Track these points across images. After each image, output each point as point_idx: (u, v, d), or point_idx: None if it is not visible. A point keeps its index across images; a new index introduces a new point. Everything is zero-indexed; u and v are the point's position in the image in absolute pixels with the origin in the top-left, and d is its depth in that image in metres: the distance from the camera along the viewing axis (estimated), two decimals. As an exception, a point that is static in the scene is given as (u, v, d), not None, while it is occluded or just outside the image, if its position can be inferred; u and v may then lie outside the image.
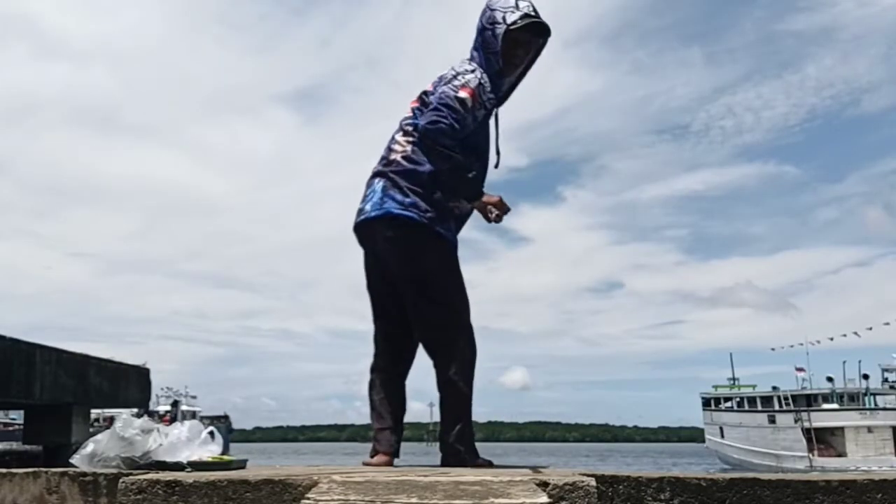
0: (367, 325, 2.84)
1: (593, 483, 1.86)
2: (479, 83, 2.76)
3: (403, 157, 2.77)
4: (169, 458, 2.69)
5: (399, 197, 2.72)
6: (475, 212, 2.80)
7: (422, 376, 2.89)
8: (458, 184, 2.69)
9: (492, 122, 2.94)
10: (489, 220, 2.75)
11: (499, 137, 2.97)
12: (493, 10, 2.83)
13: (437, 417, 2.84)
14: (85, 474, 2.50)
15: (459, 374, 2.68)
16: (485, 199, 2.72)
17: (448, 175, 2.68)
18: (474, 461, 2.61)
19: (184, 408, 49.44)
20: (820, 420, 35.01)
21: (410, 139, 2.79)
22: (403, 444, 2.89)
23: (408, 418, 2.93)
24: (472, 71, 2.79)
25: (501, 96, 2.94)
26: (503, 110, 2.98)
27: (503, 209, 2.72)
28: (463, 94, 2.71)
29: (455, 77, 2.77)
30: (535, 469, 2.33)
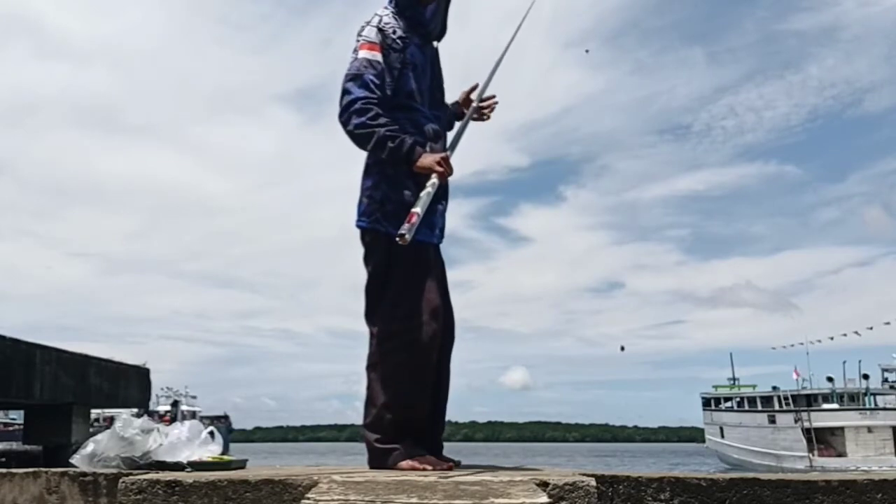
0: (367, 326, 2.82)
1: (593, 483, 1.87)
2: (378, 29, 2.60)
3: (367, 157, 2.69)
4: (169, 458, 2.70)
5: (357, 207, 2.66)
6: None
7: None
8: (388, 156, 2.50)
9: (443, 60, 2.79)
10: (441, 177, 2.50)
11: (441, 75, 2.82)
12: None
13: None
14: (85, 474, 2.50)
15: (369, 368, 2.57)
16: (422, 161, 2.49)
17: (377, 151, 2.51)
18: (381, 450, 2.49)
19: (184, 408, 49.44)
20: (820, 420, 34.98)
21: None
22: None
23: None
24: (369, 22, 2.64)
25: (432, 28, 2.77)
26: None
27: (441, 173, 2.49)
28: (363, 52, 2.56)
29: (356, 39, 2.63)
30: (534, 469, 2.33)
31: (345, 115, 2.51)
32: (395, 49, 2.60)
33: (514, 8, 2.89)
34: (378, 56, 2.56)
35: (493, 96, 2.94)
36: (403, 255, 2.52)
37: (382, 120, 2.49)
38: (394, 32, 2.62)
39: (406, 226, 2.30)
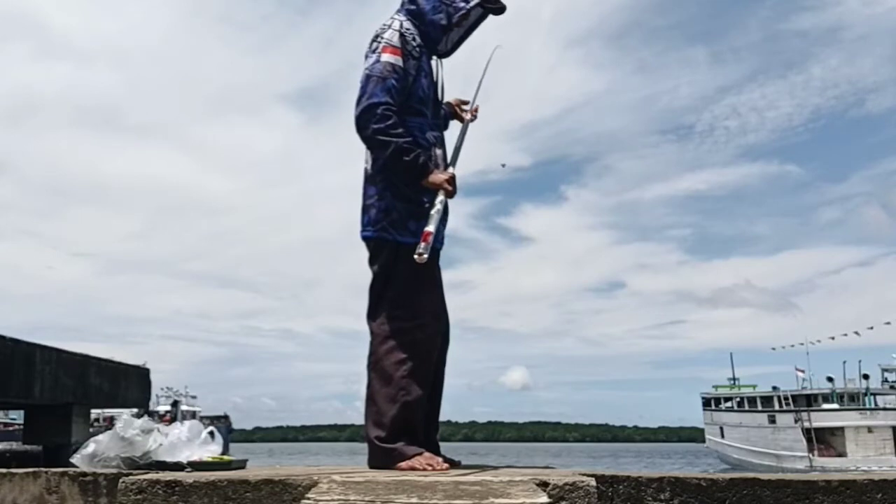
0: (367, 326, 2.83)
1: (593, 483, 1.86)
2: (400, 34, 2.62)
3: (364, 162, 2.71)
4: (169, 458, 2.70)
5: (361, 216, 2.68)
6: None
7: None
8: (401, 169, 2.54)
9: (437, 70, 2.81)
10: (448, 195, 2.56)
11: (443, 90, 2.85)
12: None
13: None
14: (85, 474, 2.50)
15: (370, 366, 2.59)
16: (432, 178, 2.55)
17: (390, 161, 2.53)
18: (383, 450, 2.49)
19: (184, 408, 49.42)
20: (820, 420, 34.98)
21: None
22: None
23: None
24: (389, 25, 2.66)
25: (441, 47, 2.81)
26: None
27: (449, 192, 2.55)
28: (387, 55, 2.57)
29: (375, 40, 2.64)
30: (535, 469, 2.33)
31: (364, 118, 2.52)
32: (414, 56, 2.64)
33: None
34: (400, 61, 2.59)
35: (476, 107, 2.95)
36: (409, 259, 2.55)
37: (400, 130, 2.52)
38: (413, 40, 2.66)
39: (422, 245, 2.38)
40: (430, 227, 2.43)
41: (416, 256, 2.37)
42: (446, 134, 2.88)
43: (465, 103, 2.96)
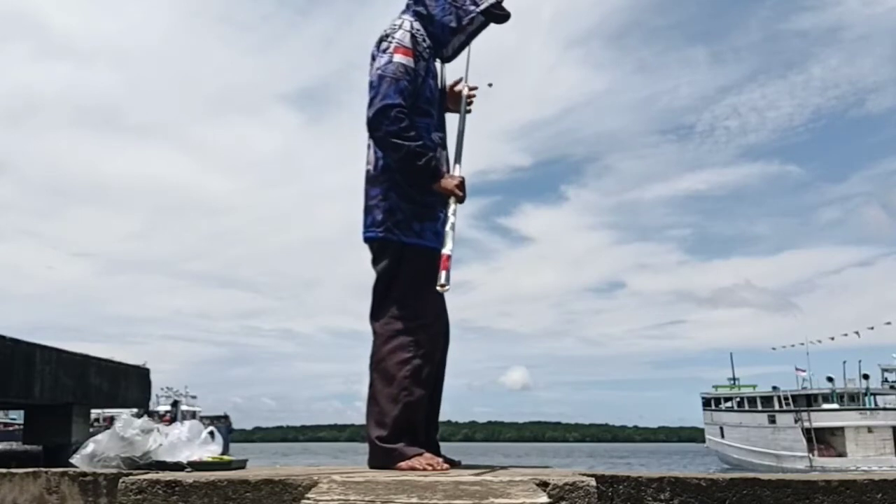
0: (367, 326, 2.83)
1: (593, 483, 1.86)
2: (412, 35, 2.63)
3: (366, 163, 2.71)
4: (169, 458, 2.70)
5: (364, 217, 2.67)
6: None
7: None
8: (412, 172, 2.55)
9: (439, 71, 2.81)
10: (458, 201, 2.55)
11: (444, 95, 2.85)
12: None
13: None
14: (85, 474, 2.50)
15: (373, 366, 2.58)
16: (443, 183, 2.55)
17: (402, 164, 2.54)
18: (385, 451, 2.48)
19: (184, 408, 49.45)
20: (820, 420, 35.00)
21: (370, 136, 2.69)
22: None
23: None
24: (399, 26, 2.66)
25: (444, 50, 2.83)
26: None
27: (460, 197, 2.55)
28: (399, 56, 2.58)
29: (385, 39, 2.64)
30: (535, 469, 2.33)
31: (377, 119, 2.52)
32: (424, 58, 2.65)
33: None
34: (412, 62, 2.59)
35: (475, 88, 2.90)
36: (413, 259, 2.57)
37: (413, 133, 2.52)
38: (424, 41, 2.66)
39: (443, 273, 2.37)
40: (447, 250, 2.40)
41: (438, 288, 2.37)
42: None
43: (459, 82, 2.92)
